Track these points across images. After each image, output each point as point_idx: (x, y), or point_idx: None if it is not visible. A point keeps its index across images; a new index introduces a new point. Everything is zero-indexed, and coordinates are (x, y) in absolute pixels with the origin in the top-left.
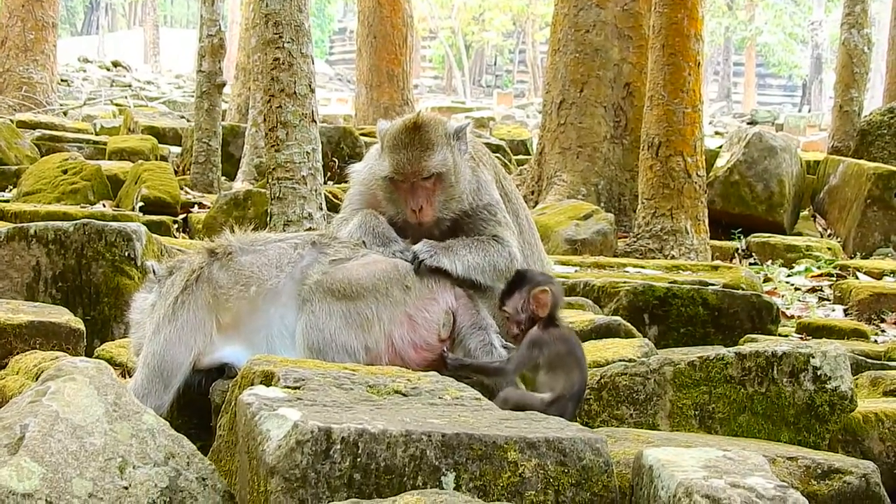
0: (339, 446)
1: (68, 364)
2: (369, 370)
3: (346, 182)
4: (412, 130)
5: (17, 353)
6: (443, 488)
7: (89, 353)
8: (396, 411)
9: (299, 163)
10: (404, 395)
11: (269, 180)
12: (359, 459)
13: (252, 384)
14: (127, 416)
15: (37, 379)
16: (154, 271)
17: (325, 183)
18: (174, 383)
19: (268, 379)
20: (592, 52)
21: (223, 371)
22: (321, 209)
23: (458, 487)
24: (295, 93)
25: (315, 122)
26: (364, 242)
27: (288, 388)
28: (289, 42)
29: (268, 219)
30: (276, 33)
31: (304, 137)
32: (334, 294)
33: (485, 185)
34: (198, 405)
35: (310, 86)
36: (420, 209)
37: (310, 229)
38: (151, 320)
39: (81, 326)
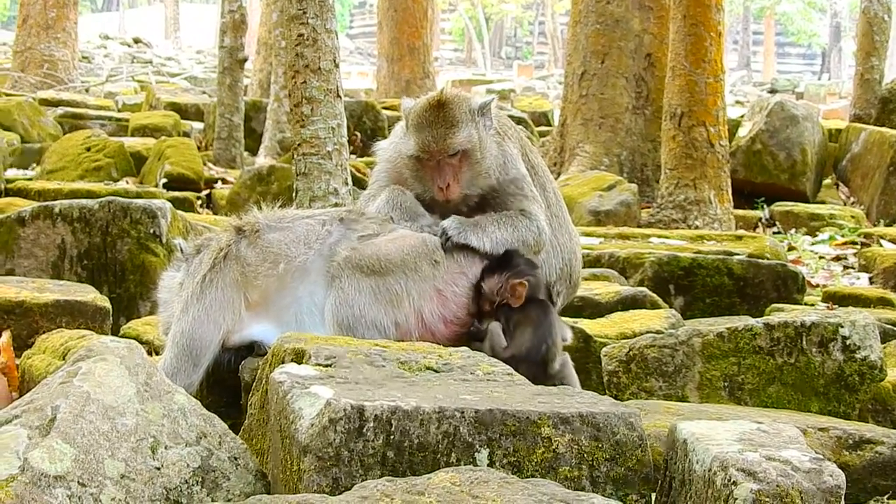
0: (371, 424)
1: (99, 344)
2: (400, 346)
3: (369, 156)
4: (436, 108)
5: (44, 332)
6: (476, 465)
7: (115, 331)
8: (429, 388)
9: (324, 138)
10: (436, 371)
11: (295, 156)
12: (392, 437)
13: (283, 362)
14: (158, 396)
15: (63, 358)
16: (182, 249)
17: (348, 158)
18: (203, 362)
19: (299, 356)
20: (613, 23)
21: (252, 349)
22: (347, 184)
23: (491, 464)
24: (319, 68)
25: (340, 97)
26: (392, 218)
27: (319, 365)
28: (313, 18)
29: (293, 194)
30: (300, 9)
31: (329, 113)
32: (363, 270)
33: (511, 159)
34: (228, 383)
35: (334, 61)
36: (447, 186)
37: (336, 205)
38: (180, 299)
39: (107, 304)
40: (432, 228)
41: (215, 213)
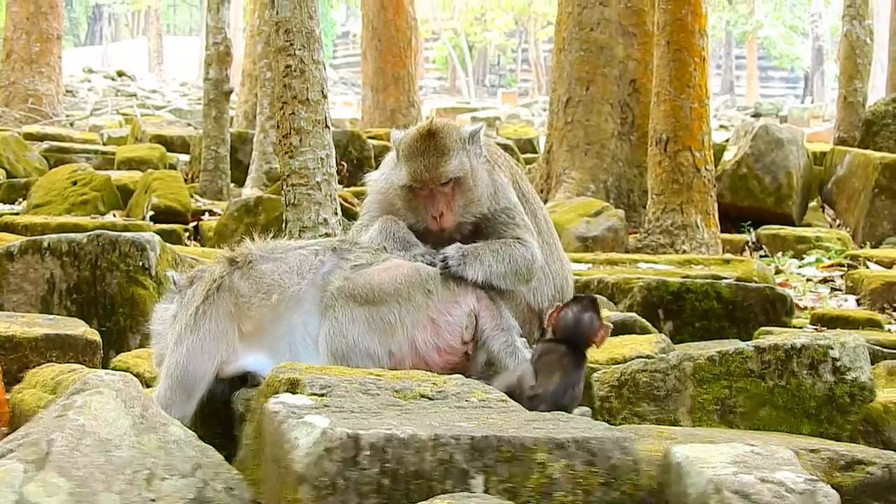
0: (367, 452)
1: (94, 377)
2: (394, 375)
3: (356, 186)
4: (427, 137)
5: (34, 367)
6: (472, 492)
7: (105, 365)
8: (424, 415)
9: (314, 169)
10: (430, 398)
11: (284, 187)
12: (387, 465)
13: (277, 392)
14: (154, 428)
15: (54, 392)
16: (175, 281)
17: (337, 188)
18: (197, 393)
19: (293, 386)
20: (597, 50)
21: (246, 380)
22: (336, 214)
23: (487, 490)
24: (308, 99)
25: (328, 127)
26: (385, 247)
27: (314, 395)
28: (300, 49)
29: (283, 225)
30: (287, 41)
31: (318, 143)
32: (356, 299)
33: (501, 188)
34: (221, 414)
35: (322, 92)
36: (440, 215)
37: (326, 235)
38: (173, 331)
39: (97, 338)
40: (426, 258)
41: (203, 246)
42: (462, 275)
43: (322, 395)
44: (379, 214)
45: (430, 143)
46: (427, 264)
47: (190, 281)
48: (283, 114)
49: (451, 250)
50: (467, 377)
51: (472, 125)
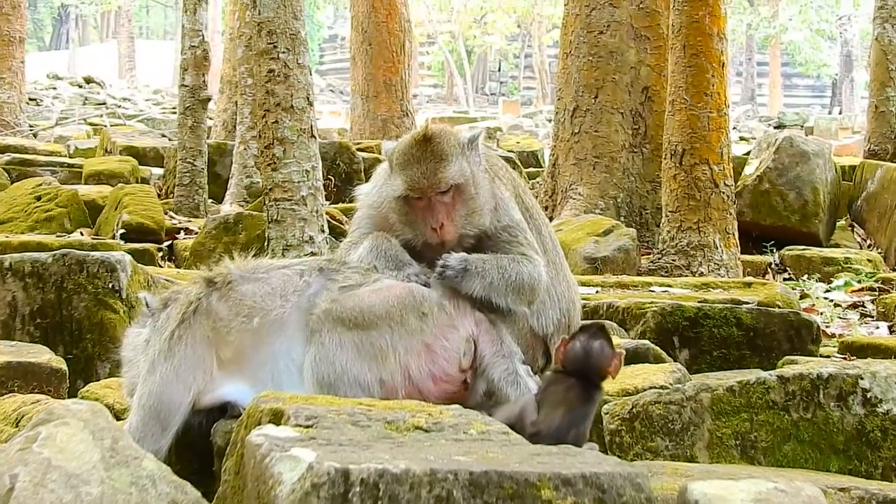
0: (358, 489)
1: (61, 407)
2: (386, 405)
3: (344, 202)
4: (423, 143)
5: None
6: None
7: (72, 395)
8: (418, 449)
9: (298, 182)
10: (426, 430)
11: (266, 202)
12: (380, 502)
13: (260, 423)
14: (125, 462)
15: (17, 425)
16: (148, 304)
17: (324, 203)
18: (172, 425)
19: (277, 417)
20: (607, 55)
21: (225, 411)
22: (322, 231)
23: None
24: (292, 106)
25: (314, 137)
26: (375, 267)
27: (299, 426)
28: (284, 52)
29: (265, 243)
30: (270, 43)
31: (303, 154)
32: (345, 323)
33: (503, 203)
34: (199, 448)
35: (308, 98)
36: (441, 226)
37: (311, 254)
38: (146, 357)
39: (63, 366)
40: (420, 278)
41: (178, 266)
42: (458, 286)
43: (308, 427)
44: (370, 231)
45: (427, 148)
46: (422, 285)
47: (164, 303)
48: (266, 122)
49: (454, 259)
50: (466, 408)
51: (471, 130)
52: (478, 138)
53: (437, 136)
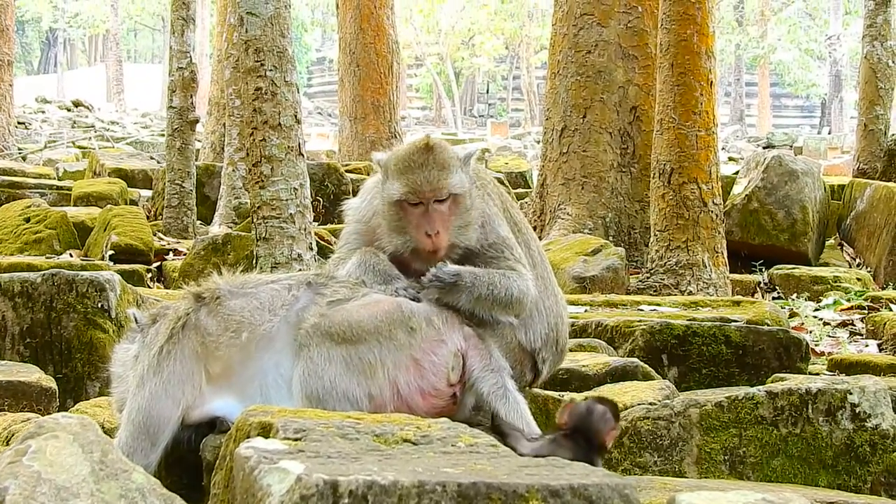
0: (346, 500)
1: (50, 420)
2: (375, 418)
3: (333, 223)
4: (425, 151)
5: None
6: None
7: None
8: (407, 461)
9: (286, 200)
10: (414, 443)
11: (254, 220)
12: None
13: (248, 437)
14: (115, 475)
15: (7, 443)
16: (136, 319)
17: (312, 221)
18: (162, 440)
19: (265, 430)
20: (595, 75)
21: (214, 425)
22: (311, 249)
23: None
24: (280, 124)
25: (302, 155)
26: (364, 282)
27: (288, 439)
28: (271, 70)
29: (254, 261)
30: (257, 61)
31: (291, 172)
32: (333, 338)
33: (491, 219)
34: (188, 463)
35: (295, 116)
36: (436, 234)
37: (300, 271)
38: (135, 373)
39: (53, 385)
40: (408, 292)
41: (167, 287)
42: (446, 297)
43: (297, 440)
44: (358, 246)
45: (429, 156)
46: (410, 299)
47: (153, 319)
48: (254, 140)
49: (446, 271)
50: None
51: (467, 148)
52: (472, 156)
53: (438, 145)
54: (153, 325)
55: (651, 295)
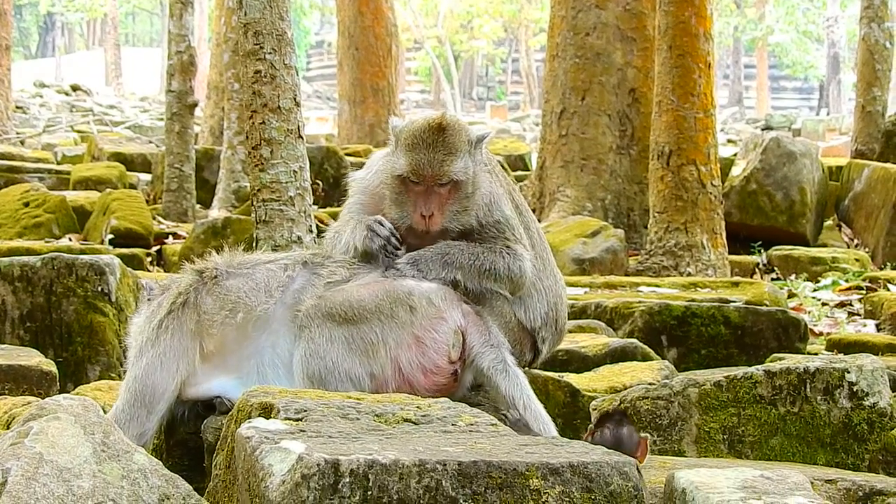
0: (347, 479)
1: (52, 402)
2: (375, 398)
3: (332, 206)
4: (436, 131)
5: None
6: None
7: None
8: (407, 440)
9: (286, 182)
10: (415, 423)
11: (254, 203)
12: (370, 493)
13: (250, 417)
14: (117, 456)
15: (8, 427)
16: (150, 289)
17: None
18: (158, 409)
19: (266, 411)
20: (594, 57)
21: (214, 407)
22: (311, 232)
23: None
24: (279, 107)
25: (301, 137)
26: (355, 247)
27: (289, 419)
28: (270, 53)
29: (254, 244)
30: (256, 44)
31: (291, 155)
32: (334, 318)
33: (496, 199)
34: (189, 445)
35: (295, 99)
36: (430, 216)
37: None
38: (135, 343)
39: (53, 369)
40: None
41: (167, 271)
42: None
43: (298, 420)
44: (361, 219)
45: (439, 137)
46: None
47: (162, 290)
48: (253, 123)
49: (402, 262)
50: (454, 400)
51: (481, 130)
52: (485, 139)
53: (451, 126)
54: (159, 297)
55: (650, 276)
